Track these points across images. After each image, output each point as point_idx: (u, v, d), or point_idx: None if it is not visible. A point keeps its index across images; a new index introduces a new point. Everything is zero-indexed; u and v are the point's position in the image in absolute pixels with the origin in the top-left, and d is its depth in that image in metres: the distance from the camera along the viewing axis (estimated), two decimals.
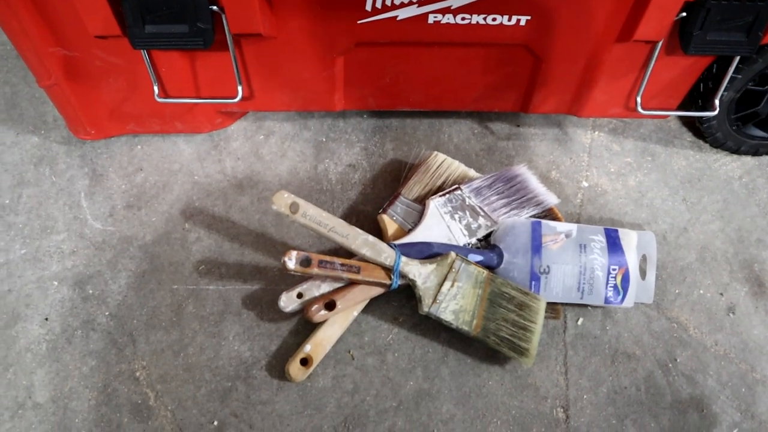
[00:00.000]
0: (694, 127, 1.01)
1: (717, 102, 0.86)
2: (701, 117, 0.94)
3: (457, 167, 0.88)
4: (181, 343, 0.79)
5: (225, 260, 0.85)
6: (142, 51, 0.77)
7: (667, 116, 1.00)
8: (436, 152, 0.89)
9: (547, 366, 0.79)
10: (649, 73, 0.82)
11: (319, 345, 0.77)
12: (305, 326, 0.80)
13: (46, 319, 0.80)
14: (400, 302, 0.82)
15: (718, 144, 0.97)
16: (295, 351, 0.77)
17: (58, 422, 0.74)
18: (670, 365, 0.80)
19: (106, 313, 0.81)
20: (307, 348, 0.76)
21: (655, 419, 0.76)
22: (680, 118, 1.02)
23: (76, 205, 0.88)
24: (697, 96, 0.91)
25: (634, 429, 0.76)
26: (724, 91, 0.85)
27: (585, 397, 0.78)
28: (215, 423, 0.75)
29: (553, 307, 0.81)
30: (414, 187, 0.87)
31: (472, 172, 0.88)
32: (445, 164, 0.88)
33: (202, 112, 0.91)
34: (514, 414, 0.76)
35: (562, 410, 0.77)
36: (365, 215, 0.89)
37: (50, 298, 0.82)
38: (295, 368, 0.75)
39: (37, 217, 0.87)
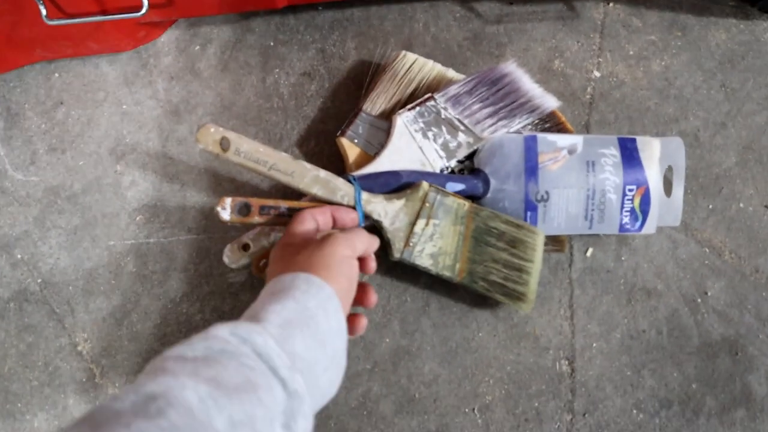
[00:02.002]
0: None
1: None
2: None
3: (431, 68, 0.71)
4: (123, 310, 0.69)
5: (165, 206, 0.72)
6: None
7: None
8: (404, 52, 0.71)
9: (549, 310, 0.67)
10: None
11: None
12: (261, 281, 0.68)
13: None
14: None
15: None
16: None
17: None
18: (699, 300, 0.66)
19: (39, 281, 0.71)
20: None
21: (678, 367, 0.64)
22: None
23: None
24: None
25: (653, 380, 0.64)
26: None
27: (594, 345, 0.65)
28: None
29: (556, 238, 0.67)
30: (378, 99, 0.70)
31: (451, 73, 0.71)
32: (415, 66, 0.71)
33: (118, 26, 0.74)
34: (509, 370, 0.65)
35: (566, 362, 0.65)
36: (326, 135, 0.74)
37: None
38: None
39: None
